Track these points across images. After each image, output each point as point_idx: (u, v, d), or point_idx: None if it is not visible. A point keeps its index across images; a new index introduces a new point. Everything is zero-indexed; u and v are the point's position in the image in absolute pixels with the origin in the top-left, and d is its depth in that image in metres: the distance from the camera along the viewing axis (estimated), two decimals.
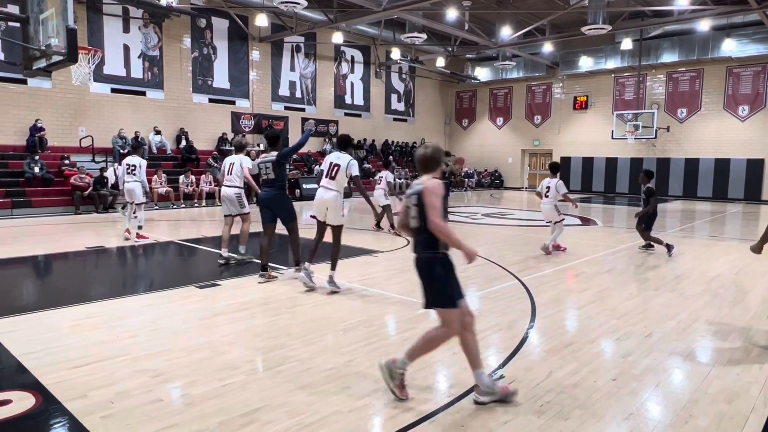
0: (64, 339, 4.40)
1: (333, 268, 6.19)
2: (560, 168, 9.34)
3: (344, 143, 6.43)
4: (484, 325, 4.94)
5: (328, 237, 6.32)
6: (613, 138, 24.05)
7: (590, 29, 17.74)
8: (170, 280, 6.88)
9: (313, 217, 6.45)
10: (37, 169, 14.75)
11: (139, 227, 9.65)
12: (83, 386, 3.48)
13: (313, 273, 6.29)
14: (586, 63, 24.67)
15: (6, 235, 10.32)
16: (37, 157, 14.96)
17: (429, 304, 3.49)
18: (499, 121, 29.29)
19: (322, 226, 6.36)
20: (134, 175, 9.52)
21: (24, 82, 15.71)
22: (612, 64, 24.17)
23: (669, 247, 8.81)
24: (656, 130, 22.78)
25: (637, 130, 22.61)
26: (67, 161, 15.62)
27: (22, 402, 3.27)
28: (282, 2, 15.70)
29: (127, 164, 9.61)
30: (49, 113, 16.28)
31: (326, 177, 6.21)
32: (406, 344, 4.36)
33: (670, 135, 23.60)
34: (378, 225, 11.39)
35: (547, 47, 23.09)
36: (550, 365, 3.99)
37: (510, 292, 6.25)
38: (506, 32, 20.88)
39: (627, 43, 21.63)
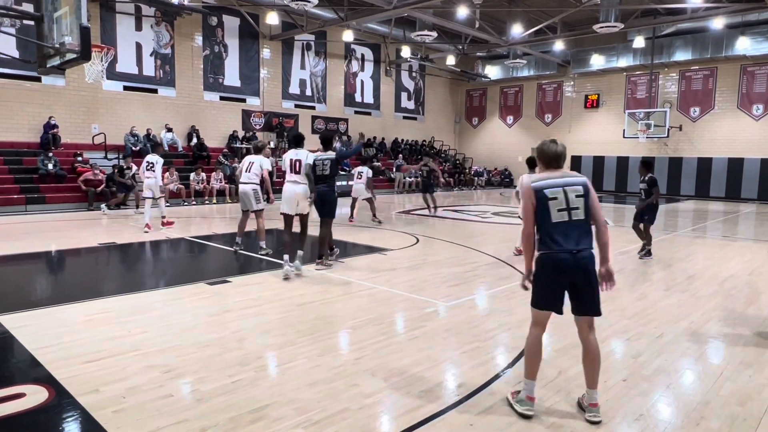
0: (76, 334, 4.46)
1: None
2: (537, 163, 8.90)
3: (298, 140, 7.11)
4: (493, 324, 4.93)
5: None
6: (624, 137, 23.85)
7: (602, 27, 17.58)
8: (181, 277, 6.93)
9: (283, 213, 6.92)
10: (50, 166, 14.91)
11: (163, 216, 10.82)
12: (95, 381, 3.52)
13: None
14: (597, 61, 24.47)
15: (20, 231, 10.45)
16: (50, 154, 15.12)
17: (597, 310, 3.25)
18: (510, 119, 29.16)
19: (290, 219, 6.91)
20: (153, 171, 10.37)
21: (38, 79, 15.88)
22: (624, 62, 23.96)
23: (649, 252, 8.40)
24: (668, 129, 22.56)
25: (649, 129, 22.42)
26: (80, 158, 15.77)
27: (35, 395, 3.31)
28: (293, 1, 15.72)
29: (147, 161, 10.47)
30: (63, 110, 16.45)
31: (291, 172, 6.80)
32: (415, 342, 4.38)
33: (682, 134, 23.36)
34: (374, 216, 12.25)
35: (559, 45, 22.94)
36: (559, 365, 3.97)
37: (519, 291, 6.21)
38: (517, 30, 20.77)
39: (639, 41, 21.44)
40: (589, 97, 25.96)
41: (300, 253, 6.87)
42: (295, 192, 6.73)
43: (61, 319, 4.87)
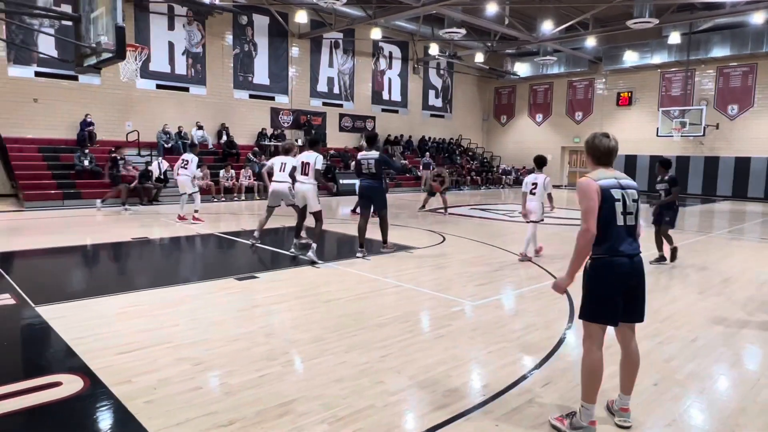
0: (110, 325, 4.58)
1: (316, 241, 7.60)
2: (546, 162, 8.40)
3: (313, 143, 8.15)
4: (521, 325, 4.88)
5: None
6: (658, 135, 23.25)
7: (636, 23, 17.20)
8: (210, 272, 7.06)
9: (291, 205, 8.28)
10: (86, 162, 15.36)
11: (196, 211, 11.30)
12: (128, 371, 3.62)
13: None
14: (630, 58, 23.92)
15: (58, 225, 10.80)
16: (86, 151, 15.58)
17: (643, 316, 3.12)
18: (539, 117, 28.76)
19: (303, 211, 8.21)
20: (186, 169, 11.06)
21: (75, 78, 16.38)
22: (658, 58, 23.36)
23: (663, 258, 7.88)
24: (704, 128, 21.93)
25: (684, 128, 21.81)
26: (114, 154, 16.18)
27: (71, 384, 3.42)
28: None
29: (182, 159, 11.26)
30: (98, 108, 16.93)
31: (301, 173, 7.73)
32: (441, 341, 4.36)
33: (719, 132, 22.66)
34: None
35: (590, 42, 22.53)
36: None
37: (547, 291, 6.14)
38: (547, 27, 20.46)
39: (675, 37, 20.86)
40: (622, 94, 25.41)
41: (313, 246, 7.46)
42: (301, 190, 7.78)
43: (96, 311, 5.02)
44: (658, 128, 23.17)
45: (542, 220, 8.14)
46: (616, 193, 2.97)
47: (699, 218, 14.88)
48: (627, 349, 3.17)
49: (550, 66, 26.59)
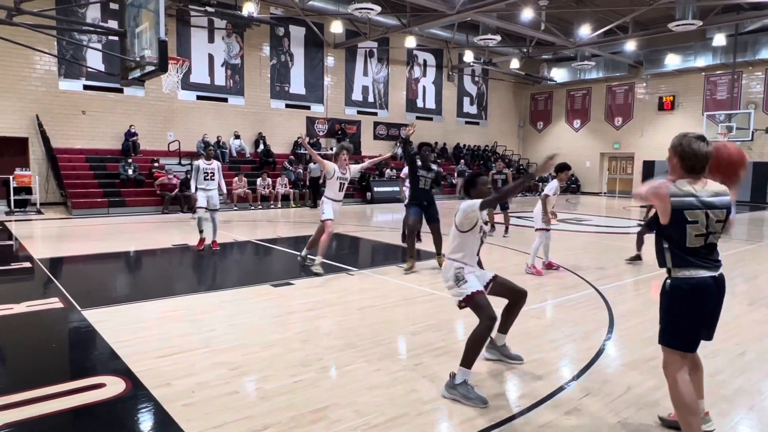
0: (151, 330, 4.72)
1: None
2: (568, 168, 7.81)
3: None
4: (558, 335, 4.78)
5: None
6: None
7: (678, 25, 16.71)
8: (247, 278, 7.18)
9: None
10: (130, 171, 15.92)
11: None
12: (168, 375, 3.71)
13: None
14: (672, 61, 23.24)
15: (103, 232, 11.22)
16: (130, 160, 16.16)
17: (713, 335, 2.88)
18: (577, 123, 28.22)
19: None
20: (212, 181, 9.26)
21: (120, 91, 17.05)
22: (702, 61, 22.62)
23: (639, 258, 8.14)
24: (753, 132, 21.07)
25: (730, 132, 21.00)
26: (156, 164, 16.74)
27: (114, 386, 3.53)
28: (356, 9, 16.01)
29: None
30: (142, 119, 17.56)
31: (339, 191, 7.41)
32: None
33: None
34: None
35: (630, 46, 22.01)
36: (628, 380, 3.79)
37: (586, 301, 5.99)
38: (585, 31, 20.11)
39: (720, 39, 20.18)
40: (664, 98, 24.69)
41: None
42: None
43: (138, 315, 5.18)
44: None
45: (547, 229, 7.60)
46: (691, 215, 2.62)
47: (748, 226, 14.26)
48: (695, 358, 3.00)
49: (588, 71, 26.11)
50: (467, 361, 3.41)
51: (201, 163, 8.92)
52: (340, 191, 7.35)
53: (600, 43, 21.54)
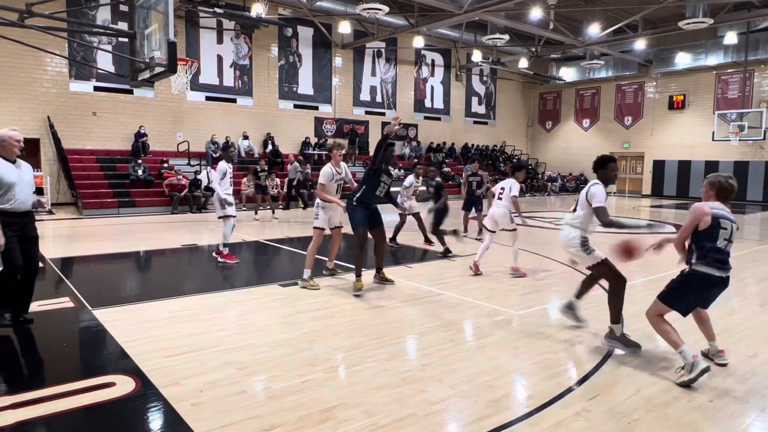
0: (161, 329, 4.75)
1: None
2: (522, 168, 7.71)
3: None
4: (567, 336, 4.75)
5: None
6: (713, 140, 22.27)
7: (689, 23, 16.57)
8: (256, 278, 7.21)
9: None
10: (140, 172, 16.03)
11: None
12: (177, 374, 3.74)
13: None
14: (683, 60, 23.05)
15: (113, 232, 11.31)
16: (140, 161, 16.28)
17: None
18: (586, 122, 28.06)
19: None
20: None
21: (130, 92, 17.18)
22: (713, 60, 22.41)
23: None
24: (765, 131, 20.82)
25: (742, 131, 20.78)
26: (165, 164, 16.85)
27: (124, 385, 3.56)
28: (364, 9, 16.03)
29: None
30: (152, 120, 17.68)
31: None
32: (484, 351, 4.31)
33: None
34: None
35: (640, 44, 21.85)
36: (638, 381, 3.76)
37: (595, 302, 5.95)
38: (594, 30, 19.99)
39: (731, 37, 19.98)
40: (674, 97, 24.48)
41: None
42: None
43: (148, 315, 5.22)
44: (714, 132, 22.18)
45: (515, 229, 7.39)
46: (724, 223, 3.74)
47: (760, 226, 14.11)
48: (702, 312, 4.12)
49: (597, 70, 25.95)
50: (615, 317, 4.38)
51: (227, 166, 7.98)
52: (337, 193, 6.58)
53: (609, 42, 21.40)
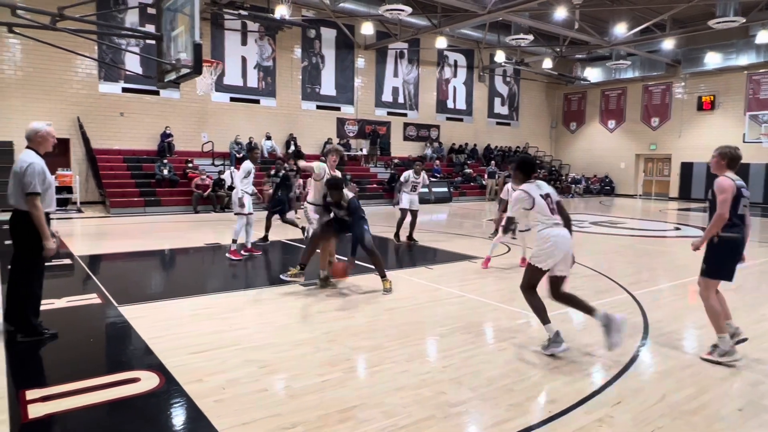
0: (184, 327, 4.83)
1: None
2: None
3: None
4: (590, 340, 4.68)
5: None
6: (744, 141, 21.63)
7: (719, 23, 16.17)
8: (277, 277, 7.27)
9: None
10: (165, 172, 16.32)
11: (234, 241, 8.44)
12: (199, 371, 3.79)
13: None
14: (713, 60, 22.50)
15: (139, 231, 11.53)
16: (165, 161, 16.57)
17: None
18: (611, 123, 27.60)
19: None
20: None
21: (157, 93, 17.50)
22: (745, 59, 21.82)
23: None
24: None
25: None
26: (190, 164, 17.12)
27: (148, 381, 3.63)
28: (387, 10, 16.04)
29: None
30: (177, 121, 17.98)
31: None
32: (504, 354, 4.27)
33: None
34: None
35: (668, 44, 21.40)
36: (663, 387, 3.68)
37: (619, 306, 5.85)
38: (620, 30, 19.66)
39: (763, 36, 19.42)
40: (703, 98, 23.90)
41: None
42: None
43: (172, 312, 5.30)
44: (744, 134, 21.59)
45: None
46: (744, 191, 4.13)
47: None
48: (718, 294, 4.30)
49: (623, 70, 25.49)
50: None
51: (252, 166, 8.26)
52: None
53: (636, 42, 21.02)
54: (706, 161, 23.45)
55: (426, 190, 10.34)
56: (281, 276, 6.36)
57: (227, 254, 8.28)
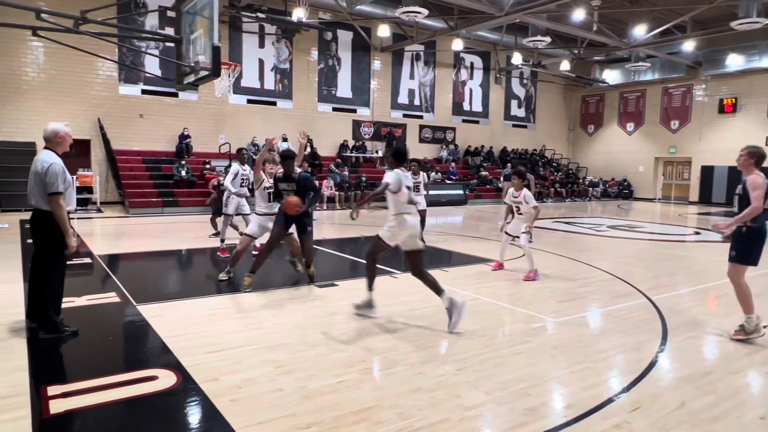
0: (201, 326, 4.87)
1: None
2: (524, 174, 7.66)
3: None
4: (607, 345, 4.63)
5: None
6: (767, 144, 21.27)
7: (741, 24, 15.91)
8: (293, 278, 7.31)
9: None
10: (183, 173, 16.51)
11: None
12: (216, 370, 3.82)
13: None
14: (735, 61, 22.12)
15: (157, 231, 11.67)
16: (183, 162, 16.77)
17: None
18: (630, 126, 27.27)
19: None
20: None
21: (175, 95, 17.73)
22: None
23: None
24: None
25: None
26: (208, 166, 17.30)
27: (166, 379, 3.67)
28: (404, 12, 16.06)
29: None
30: (195, 122, 18.19)
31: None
32: (520, 357, 4.24)
33: None
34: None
35: (688, 46, 21.10)
36: (683, 394, 3.62)
37: (638, 311, 5.78)
38: (640, 31, 19.42)
39: None
40: (725, 101, 23.50)
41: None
42: None
43: (189, 311, 5.36)
44: (767, 137, 21.19)
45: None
46: None
47: None
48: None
49: (642, 72, 25.18)
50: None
51: (239, 167, 8.39)
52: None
53: (656, 44, 20.75)
54: (727, 164, 23.13)
55: (425, 192, 10.16)
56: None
57: (218, 253, 8.56)
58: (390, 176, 4.96)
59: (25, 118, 15.48)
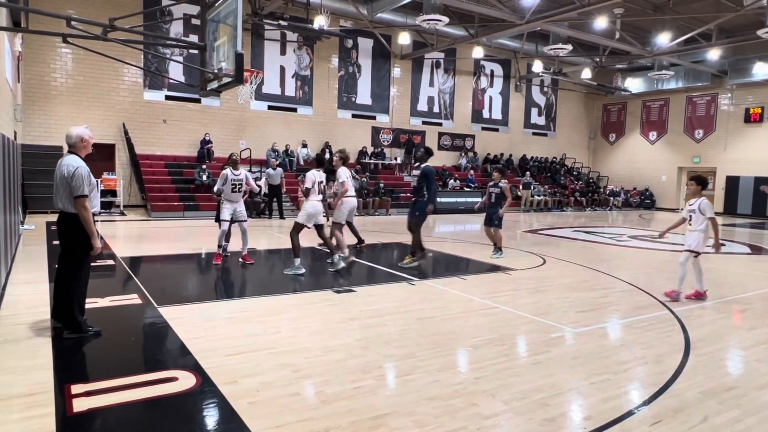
0: (221, 329, 4.93)
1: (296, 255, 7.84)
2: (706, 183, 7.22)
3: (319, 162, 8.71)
4: (628, 357, 4.56)
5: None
6: None
7: None
8: (311, 284, 7.35)
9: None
10: (204, 177, 16.74)
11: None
12: (234, 373, 3.86)
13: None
14: (762, 70, 21.69)
15: (178, 234, 11.84)
16: (204, 167, 17.00)
17: None
18: (653, 135, 26.89)
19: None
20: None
21: (198, 101, 18.03)
22: None
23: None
24: None
25: None
26: None
27: (185, 380, 3.72)
28: (424, 20, 16.11)
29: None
30: (217, 128, 18.46)
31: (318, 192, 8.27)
32: (538, 367, 4.20)
33: None
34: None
35: (713, 54, 20.74)
36: (705, 409, 3.55)
37: (659, 323, 5.68)
38: (664, 39, 19.17)
39: None
40: (752, 110, 23.04)
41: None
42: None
43: (209, 314, 5.43)
44: None
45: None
46: None
47: None
48: None
49: (666, 81, 24.85)
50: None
51: (228, 172, 8.36)
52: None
53: (680, 52, 20.47)
54: (753, 175, 22.66)
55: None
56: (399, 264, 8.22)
57: (213, 261, 8.45)
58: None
59: (52, 122, 15.88)
